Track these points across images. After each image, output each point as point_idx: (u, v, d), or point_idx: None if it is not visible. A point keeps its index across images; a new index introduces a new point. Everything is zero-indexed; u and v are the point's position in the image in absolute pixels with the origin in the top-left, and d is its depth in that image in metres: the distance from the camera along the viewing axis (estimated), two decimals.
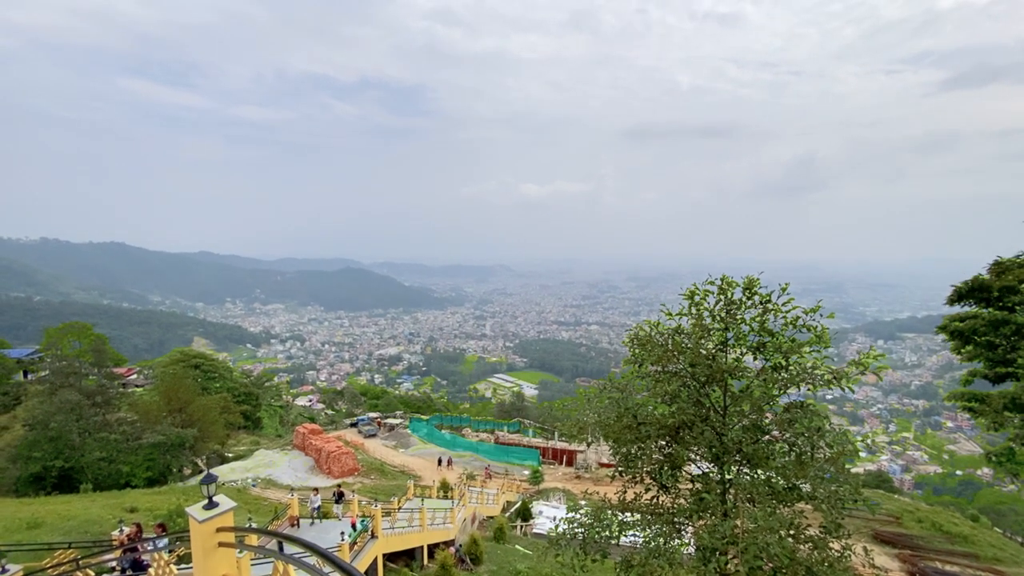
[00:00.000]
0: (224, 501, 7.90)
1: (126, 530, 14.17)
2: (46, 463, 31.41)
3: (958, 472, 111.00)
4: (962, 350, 22.44)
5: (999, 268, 21.76)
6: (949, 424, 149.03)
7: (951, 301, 22.90)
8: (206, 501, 7.79)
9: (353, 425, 62.63)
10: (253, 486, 35.51)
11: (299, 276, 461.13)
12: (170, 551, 14.10)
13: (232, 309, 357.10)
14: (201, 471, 37.24)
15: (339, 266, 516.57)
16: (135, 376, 62.18)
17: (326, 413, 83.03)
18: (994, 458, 24.00)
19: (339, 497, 23.91)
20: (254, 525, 17.72)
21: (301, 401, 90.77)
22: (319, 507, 22.44)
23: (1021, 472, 21.82)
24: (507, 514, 34.61)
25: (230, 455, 44.88)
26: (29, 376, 51.56)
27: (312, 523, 21.82)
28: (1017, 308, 21.25)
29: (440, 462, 47.49)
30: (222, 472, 37.89)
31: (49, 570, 12.31)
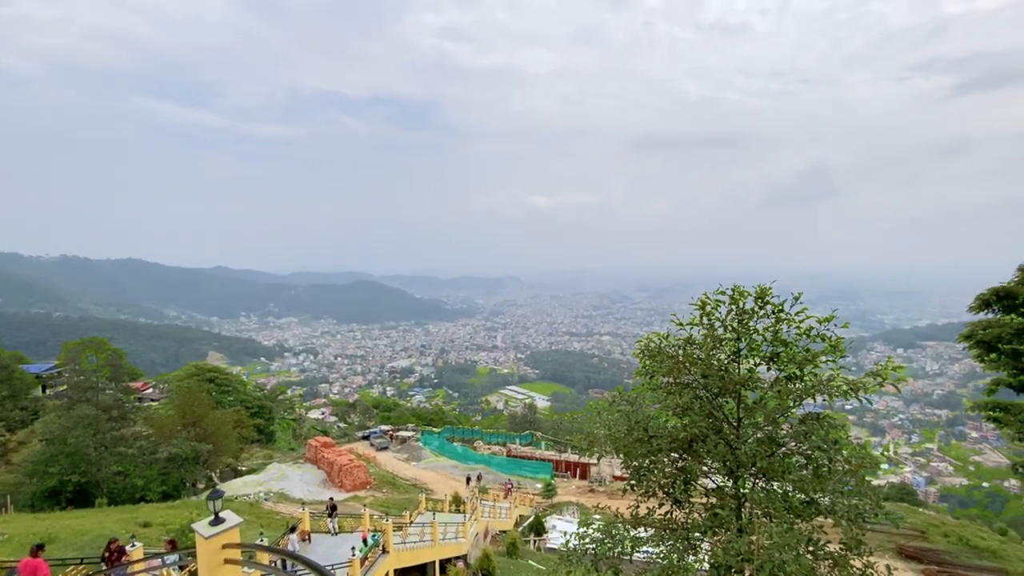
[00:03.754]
0: (230, 517, 7.86)
1: (136, 545, 14.03)
2: (63, 478, 31.73)
3: (985, 484, 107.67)
4: (986, 358, 21.87)
5: None
6: (974, 434, 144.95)
7: (975, 309, 22.34)
8: (212, 517, 7.76)
9: (365, 438, 62.60)
10: (266, 500, 35.53)
11: (312, 290, 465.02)
12: (181, 567, 14.08)
13: (246, 323, 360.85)
14: (215, 485, 37.36)
15: (351, 279, 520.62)
16: (151, 390, 62.91)
17: (339, 426, 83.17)
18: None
19: (332, 511, 22.80)
20: (266, 539, 17.67)
21: (314, 414, 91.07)
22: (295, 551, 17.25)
23: None
24: (520, 528, 34.16)
25: (243, 469, 45.04)
26: (47, 391, 52.37)
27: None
28: None
29: (468, 480, 44.05)
30: (235, 486, 37.98)
31: None
